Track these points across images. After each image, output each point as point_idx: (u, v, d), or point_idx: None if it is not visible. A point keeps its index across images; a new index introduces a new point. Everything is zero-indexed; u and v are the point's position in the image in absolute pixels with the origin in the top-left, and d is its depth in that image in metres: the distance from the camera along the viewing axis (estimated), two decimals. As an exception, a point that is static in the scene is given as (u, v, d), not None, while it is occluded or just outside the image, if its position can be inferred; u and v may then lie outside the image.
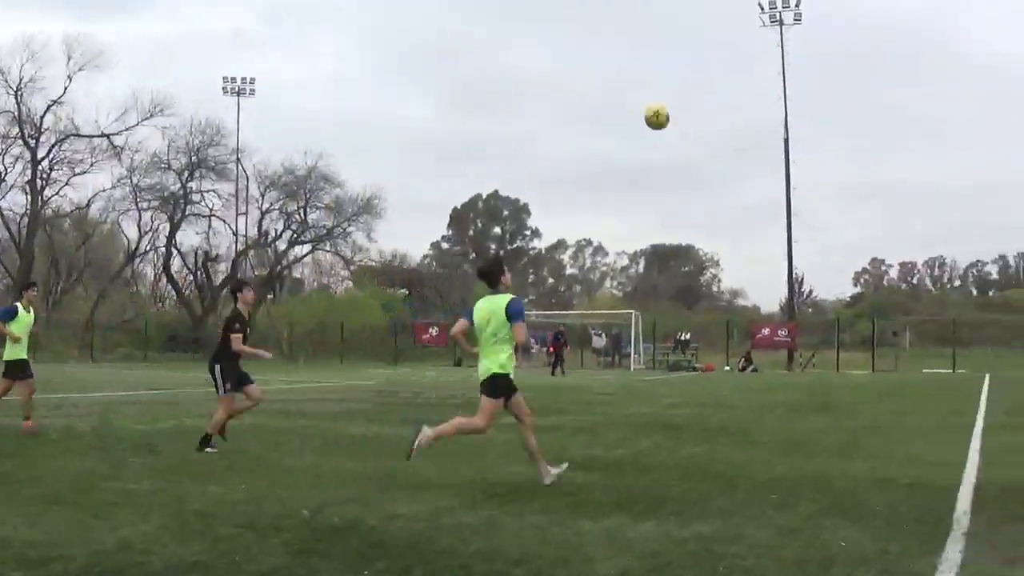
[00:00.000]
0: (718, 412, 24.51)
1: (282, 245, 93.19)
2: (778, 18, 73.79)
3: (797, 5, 73.62)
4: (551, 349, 57.09)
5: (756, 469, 13.62)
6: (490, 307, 11.70)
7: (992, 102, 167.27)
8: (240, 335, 15.22)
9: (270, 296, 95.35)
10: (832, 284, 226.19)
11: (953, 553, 8.31)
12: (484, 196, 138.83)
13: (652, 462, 14.25)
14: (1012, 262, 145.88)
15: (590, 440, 17.37)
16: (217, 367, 15.30)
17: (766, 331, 68.40)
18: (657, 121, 15.03)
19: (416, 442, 11.59)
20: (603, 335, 71.21)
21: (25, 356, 17.82)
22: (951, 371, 57.49)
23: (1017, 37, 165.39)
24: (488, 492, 11.32)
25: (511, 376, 11.77)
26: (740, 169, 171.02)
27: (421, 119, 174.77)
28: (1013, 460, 14.84)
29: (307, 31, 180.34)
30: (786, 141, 72.42)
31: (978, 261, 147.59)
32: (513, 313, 11.53)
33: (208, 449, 15.01)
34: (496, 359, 11.66)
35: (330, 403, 26.51)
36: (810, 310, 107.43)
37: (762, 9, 74.35)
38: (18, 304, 18.02)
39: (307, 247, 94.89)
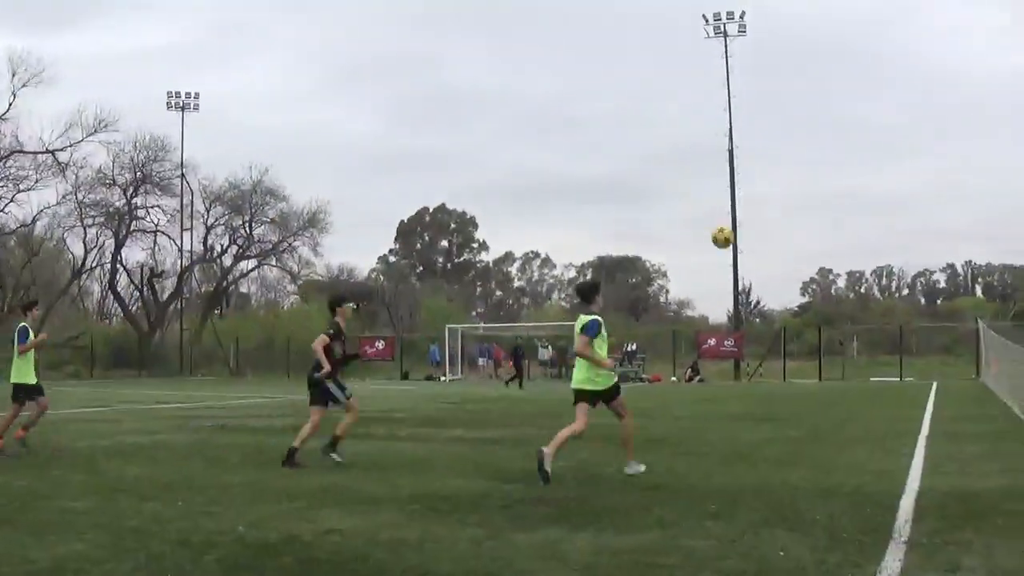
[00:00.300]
0: (661, 423, 24.64)
1: (228, 260, 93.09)
2: (722, 29, 73.99)
3: (742, 17, 73.93)
4: (511, 363, 56.92)
5: (696, 479, 13.65)
6: (579, 325, 13.42)
7: (938, 113, 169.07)
8: (327, 337, 15.41)
9: (216, 312, 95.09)
10: (780, 294, 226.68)
11: (893, 563, 8.28)
12: (431, 209, 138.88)
13: (592, 473, 14.25)
14: (960, 271, 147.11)
15: (532, 452, 17.31)
16: (329, 380, 15.46)
17: (712, 341, 68.39)
18: (723, 242, 16.04)
19: (545, 467, 13.23)
20: (549, 347, 71.32)
21: (35, 380, 17.57)
22: (899, 379, 57.76)
23: (963, 48, 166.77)
24: (427, 506, 11.27)
25: (597, 390, 13.53)
26: (687, 180, 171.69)
27: (367, 133, 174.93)
28: (957, 468, 14.85)
29: (253, 46, 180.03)
30: (731, 152, 72.63)
31: (926, 270, 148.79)
32: (584, 327, 13.32)
33: (335, 456, 15.41)
34: (592, 373, 13.45)
35: (274, 418, 26.40)
36: (758, 320, 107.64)
37: (706, 20, 74.56)
38: (26, 324, 17.73)
39: (253, 262, 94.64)
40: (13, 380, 17.47)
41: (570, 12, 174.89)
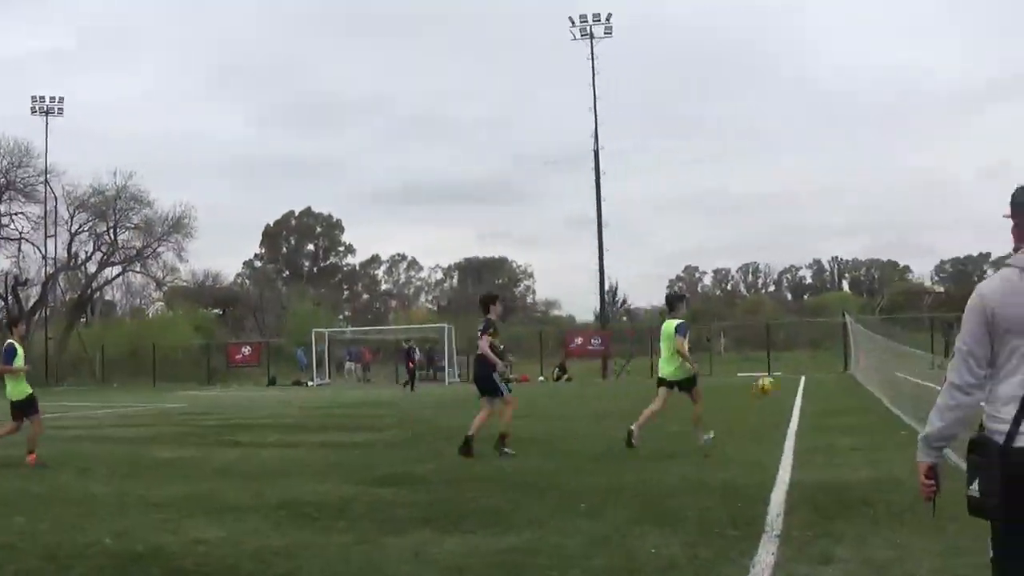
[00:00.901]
0: (529, 423, 24.59)
1: (92, 267, 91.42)
2: (588, 31, 74.31)
3: (608, 19, 74.31)
4: (408, 366, 56.74)
5: (566, 478, 13.72)
6: (667, 327, 17.49)
7: (800, 114, 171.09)
8: (489, 337, 16.71)
9: (82, 320, 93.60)
10: (647, 293, 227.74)
11: (766, 555, 8.40)
12: (296, 213, 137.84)
13: (461, 475, 14.28)
14: (827, 266, 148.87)
15: (400, 455, 17.39)
16: (493, 375, 16.67)
17: (579, 340, 68.78)
18: (763, 392, 19.38)
19: (634, 442, 16.97)
20: (417, 349, 71.30)
21: (31, 391, 17.19)
22: (767, 374, 58.31)
23: (831, 48, 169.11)
24: (294, 513, 11.23)
25: (679, 379, 17.44)
26: (556, 182, 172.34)
27: (233, 137, 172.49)
28: (825, 460, 15.12)
29: (120, 51, 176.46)
30: (596, 153, 73.11)
31: (792, 266, 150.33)
32: (678, 328, 17.24)
33: (506, 451, 16.47)
34: (678, 365, 17.42)
35: (140, 427, 26.11)
36: (624, 319, 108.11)
37: (572, 23, 74.83)
38: (13, 342, 17.33)
39: (117, 269, 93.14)
40: (16, 398, 17.04)
41: (439, 16, 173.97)
